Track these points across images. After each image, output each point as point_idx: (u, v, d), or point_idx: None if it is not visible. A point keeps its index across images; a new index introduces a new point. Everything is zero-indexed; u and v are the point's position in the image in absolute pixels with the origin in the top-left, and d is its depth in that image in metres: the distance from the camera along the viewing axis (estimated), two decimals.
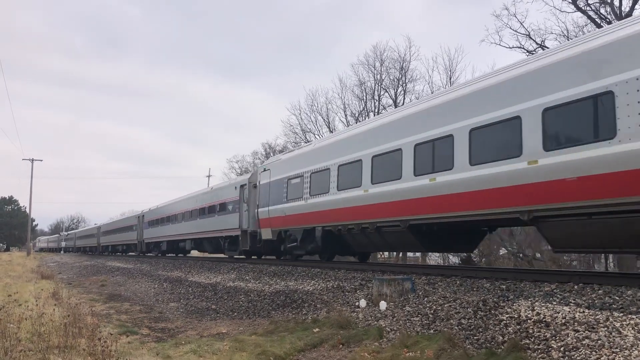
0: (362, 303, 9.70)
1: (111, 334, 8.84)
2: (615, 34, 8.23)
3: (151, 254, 39.72)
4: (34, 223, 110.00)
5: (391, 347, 7.30)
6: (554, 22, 60.38)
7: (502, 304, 7.55)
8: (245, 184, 22.11)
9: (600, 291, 7.47)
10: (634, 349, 5.33)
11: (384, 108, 35.58)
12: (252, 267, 18.25)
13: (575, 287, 7.97)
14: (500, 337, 6.65)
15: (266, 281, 14.70)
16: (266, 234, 19.01)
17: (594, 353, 5.51)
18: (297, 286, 12.84)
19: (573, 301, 7.23)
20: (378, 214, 12.88)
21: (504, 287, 8.90)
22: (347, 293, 10.91)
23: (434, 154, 11.20)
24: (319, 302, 10.94)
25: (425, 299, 8.92)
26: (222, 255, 27.16)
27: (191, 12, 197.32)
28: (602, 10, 23.16)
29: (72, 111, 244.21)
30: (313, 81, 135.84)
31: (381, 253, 33.25)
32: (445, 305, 8.29)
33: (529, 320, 6.71)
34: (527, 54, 24.09)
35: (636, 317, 5.98)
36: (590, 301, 7.10)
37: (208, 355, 8.03)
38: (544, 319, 6.60)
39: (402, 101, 34.72)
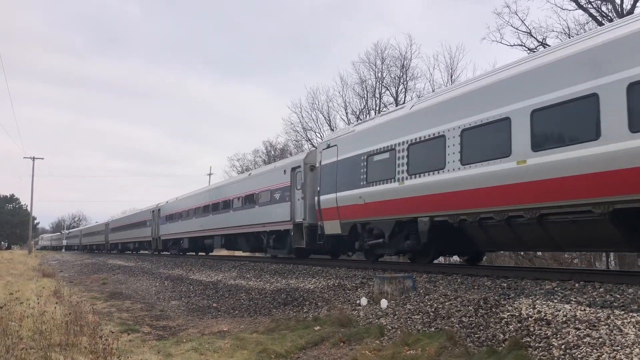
0: (363, 301, 9.71)
1: (112, 332, 8.85)
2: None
3: (167, 253, 35.77)
4: (35, 221, 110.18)
5: (392, 345, 7.31)
6: (555, 20, 60.45)
7: (503, 302, 7.56)
8: (300, 166, 17.78)
9: (601, 289, 7.48)
10: (635, 347, 5.32)
11: (385, 106, 35.57)
12: (253, 265, 18.28)
13: (577, 285, 7.99)
14: (501, 335, 6.64)
15: (267, 279, 14.72)
16: (332, 227, 15.29)
17: (595, 351, 5.51)
18: (298, 284, 12.86)
19: (574, 299, 7.24)
20: (545, 197, 8.98)
21: (505, 285, 8.92)
22: (348, 291, 10.93)
23: None
24: (320, 300, 10.95)
25: (427, 297, 8.93)
26: (261, 255, 22.97)
27: (191, 11, 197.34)
28: (604, 8, 23.12)
29: (72, 110, 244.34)
30: (314, 79, 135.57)
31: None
32: (446, 304, 8.29)
33: (530, 319, 6.71)
34: (528, 51, 24.06)
35: (637, 315, 5.98)
36: (591, 299, 7.12)
37: (209, 353, 8.05)
38: (545, 317, 6.60)
39: (402, 99, 34.71)
